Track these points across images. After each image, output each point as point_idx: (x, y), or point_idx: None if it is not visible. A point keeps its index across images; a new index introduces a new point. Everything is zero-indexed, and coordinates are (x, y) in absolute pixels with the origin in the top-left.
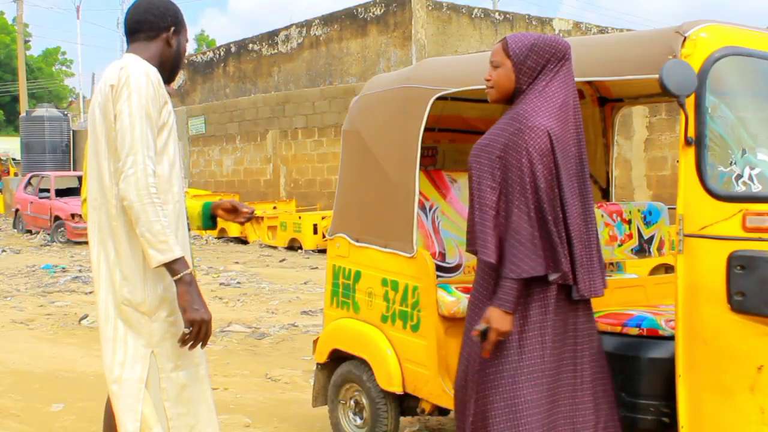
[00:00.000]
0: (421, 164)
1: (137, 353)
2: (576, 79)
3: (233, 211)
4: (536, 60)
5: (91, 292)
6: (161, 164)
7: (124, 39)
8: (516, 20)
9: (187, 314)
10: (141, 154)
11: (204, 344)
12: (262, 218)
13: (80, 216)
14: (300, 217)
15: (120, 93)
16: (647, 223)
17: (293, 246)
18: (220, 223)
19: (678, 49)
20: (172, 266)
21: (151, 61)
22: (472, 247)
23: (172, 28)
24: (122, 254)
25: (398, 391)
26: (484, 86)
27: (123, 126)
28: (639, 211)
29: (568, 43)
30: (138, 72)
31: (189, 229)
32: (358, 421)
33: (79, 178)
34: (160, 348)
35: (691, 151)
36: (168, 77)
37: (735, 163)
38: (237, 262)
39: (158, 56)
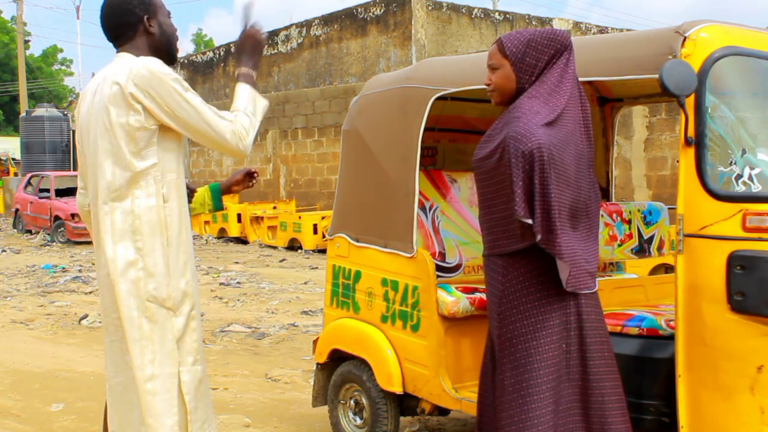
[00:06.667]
0: (421, 164)
1: (165, 349)
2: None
3: (243, 180)
4: (535, 56)
5: (91, 292)
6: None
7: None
8: (516, 20)
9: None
10: (218, 121)
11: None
12: (262, 218)
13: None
14: (300, 217)
15: (154, 88)
16: (647, 223)
17: (293, 246)
18: (220, 223)
19: (678, 49)
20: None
21: (143, 54)
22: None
23: (145, 17)
24: (145, 251)
25: (398, 391)
26: (485, 87)
27: (184, 112)
28: (639, 211)
29: (567, 34)
30: (152, 63)
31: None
32: (358, 421)
33: None
34: (182, 342)
35: (691, 151)
36: (168, 60)
37: (735, 163)
38: (237, 262)
39: (148, 48)
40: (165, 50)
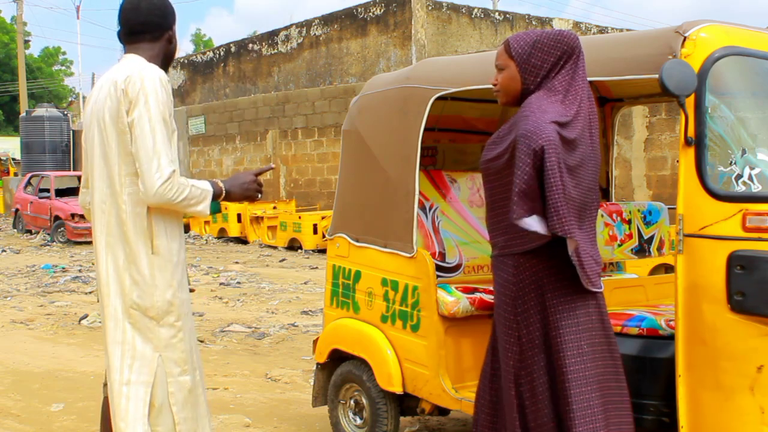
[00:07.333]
0: (421, 164)
1: (145, 357)
2: None
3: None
4: (541, 57)
5: (91, 292)
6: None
7: (121, 38)
8: (516, 20)
9: (248, 197)
10: (164, 158)
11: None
12: (262, 218)
13: (80, 216)
14: (300, 217)
15: (137, 99)
16: (647, 223)
17: (293, 246)
18: (220, 223)
19: (678, 49)
20: (215, 200)
21: (154, 60)
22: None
23: (173, 26)
24: (132, 259)
25: (398, 391)
26: (484, 86)
27: (143, 132)
28: (639, 211)
29: (575, 35)
30: (152, 77)
31: (188, 230)
32: (358, 421)
33: (80, 178)
34: (168, 353)
35: (691, 151)
36: (165, 70)
37: (735, 163)
38: (237, 262)
39: (161, 55)
40: (169, 61)
